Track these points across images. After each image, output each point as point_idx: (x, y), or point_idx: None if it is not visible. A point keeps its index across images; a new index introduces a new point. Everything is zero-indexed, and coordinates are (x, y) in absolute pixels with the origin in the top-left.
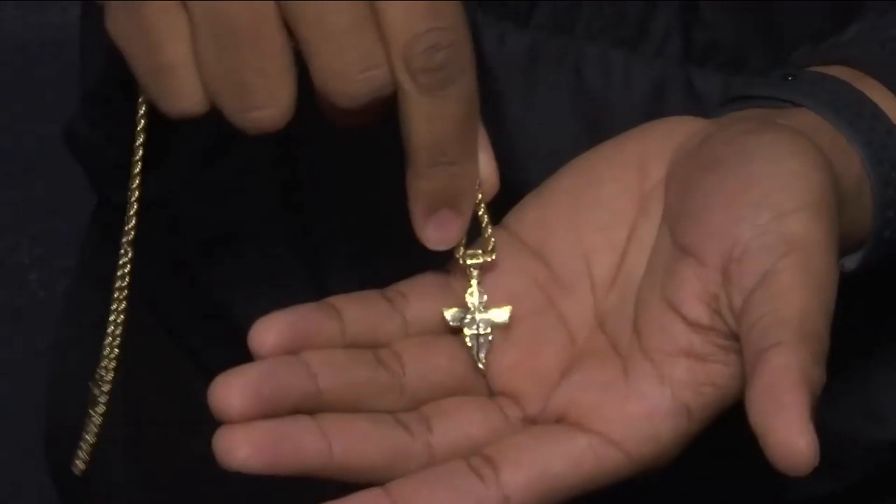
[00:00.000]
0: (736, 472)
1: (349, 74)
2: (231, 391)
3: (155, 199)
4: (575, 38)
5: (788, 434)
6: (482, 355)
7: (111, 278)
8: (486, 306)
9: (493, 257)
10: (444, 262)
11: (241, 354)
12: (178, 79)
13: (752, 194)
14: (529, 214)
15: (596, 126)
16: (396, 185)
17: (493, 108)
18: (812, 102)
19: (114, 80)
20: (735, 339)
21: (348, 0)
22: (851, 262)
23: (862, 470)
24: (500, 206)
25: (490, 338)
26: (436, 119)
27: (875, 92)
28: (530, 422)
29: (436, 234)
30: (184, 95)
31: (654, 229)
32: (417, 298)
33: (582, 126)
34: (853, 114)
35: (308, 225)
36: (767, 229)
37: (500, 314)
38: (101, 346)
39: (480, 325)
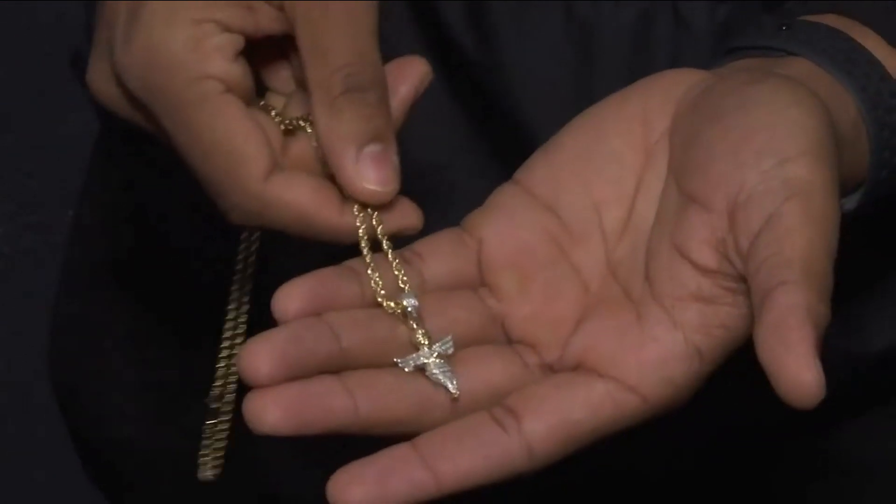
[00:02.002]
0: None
1: None
2: (259, 357)
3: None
4: None
5: (797, 369)
6: (454, 387)
7: (112, 203)
8: (430, 342)
9: (416, 300)
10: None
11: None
12: None
13: (754, 142)
14: (539, 170)
15: (586, 53)
16: None
17: (486, 38)
18: (807, 51)
19: None
20: (743, 282)
21: None
22: (850, 202)
23: (839, 381)
24: (501, 135)
25: (451, 369)
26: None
27: (868, 39)
28: (548, 369)
29: (375, 173)
30: None
31: (660, 180)
32: (433, 257)
33: (573, 53)
34: (848, 61)
35: None
36: (771, 175)
37: (445, 346)
38: (104, 279)
39: (435, 364)
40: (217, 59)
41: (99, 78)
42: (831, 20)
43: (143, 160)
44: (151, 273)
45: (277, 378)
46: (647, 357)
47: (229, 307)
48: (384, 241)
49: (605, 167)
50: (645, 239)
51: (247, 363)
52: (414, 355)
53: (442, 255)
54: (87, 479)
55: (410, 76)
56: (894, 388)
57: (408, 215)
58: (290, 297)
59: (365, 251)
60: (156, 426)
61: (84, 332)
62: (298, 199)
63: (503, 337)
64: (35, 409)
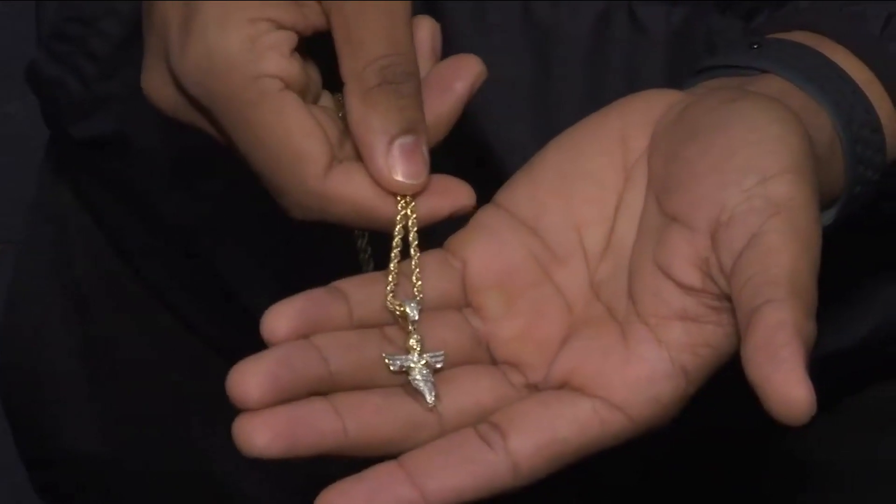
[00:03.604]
0: None
1: None
2: (248, 380)
3: (118, 131)
4: None
5: (787, 386)
6: (431, 397)
7: (64, 212)
8: (422, 350)
9: (421, 307)
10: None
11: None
12: None
13: (735, 160)
14: (520, 191)
15: (544, 54)
16: None
17: (445, 38)
18: (779, 68)
19: (74, 17)
20: (727, 300)
21: None
22: (827, 218)
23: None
24: (457, 135)
25: (433, 380)
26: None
27: (838, 54)
28: (534, 388)
29: (405, 165)
30: None
31: (640, 199)
32: (419, 277)
33: (531, 53)
34: (820, 77)
35: None
36: (753, 193)
37: (436, 358)
38: (55, 278)
39: (419, 371)
40: (273, 57)
41: (155, 85)
42: (800, 37)
43: (94, 171)
44: (106, 279)
45: (267, 401)
46: (633, 376)
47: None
48: (412, 248)
49: (584, 187)
50: (627, 258)
51: (236, 386)
52: (403, 356)
53: (428, 276)
54: (34, 488)
55: (466, 73)
56: (862, 383)
57: (460, 196)
58: (280, 319)
59: (394, 252)
60: (104, 435)
61: (30, 339)
62: (358, 192)
63: (488, 357)
64: None
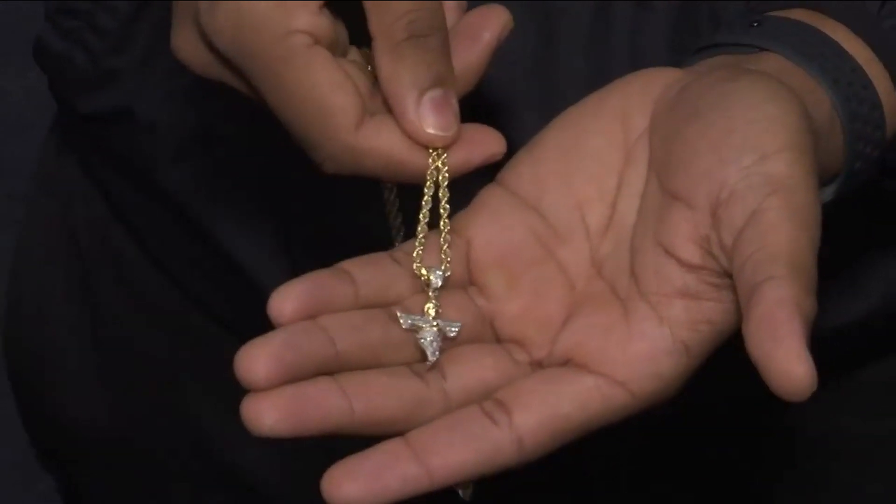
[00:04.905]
0: None
1: None
2: (255, 361)
3: (124, 105)
4: None
5: (788, 362)
6: (432, 355)
7: (68, 186)
8: (438, 316)
9: (449, 273)
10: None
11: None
12: None
13: (734, 139)
14: (523, 171)
15: (547, 30)
16: None
17: None
18: (778, 46)
19: None
20: (727, 277)
21: None
22: (826, 194)
23: None
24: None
25: (440, 344)
26: None
27: (838, 32)
28: (538, 366)
29: (436, 118)
30: None
31: (641, 177)
32: (425, 258)
33: (534, 29)
34: (819, 55)
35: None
36: (752, 171)
37: (450, 327)
38: (58, 251)
39: (429, 332)
40: (302, 13)
41: (185, 45)
42: (800, 14)
43: (99, 145)
44: (109, 252)
45: (274, 381)
46: (635, 352)
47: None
48: (441, 222)
49: (586, 166)
50: (628, 236)
51: (244, 367)
52: (417, 316)
53: (433, 255)
54: (36, 457)
55: (493, 23)
56: (863, 361)
57: (491, 144)
58: (286, 300)
59: (423, 211)
60: (107, 407)
61: (35, 313)
62: (390, 144)
63: (493, 335)
64: None
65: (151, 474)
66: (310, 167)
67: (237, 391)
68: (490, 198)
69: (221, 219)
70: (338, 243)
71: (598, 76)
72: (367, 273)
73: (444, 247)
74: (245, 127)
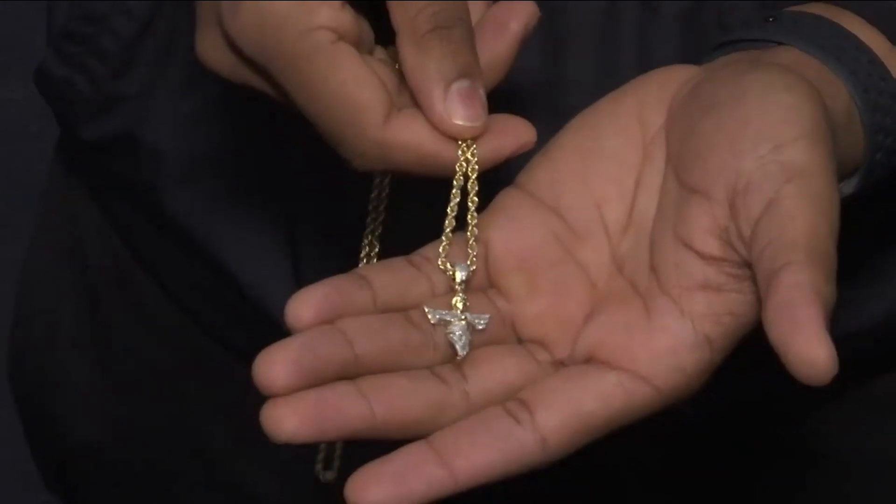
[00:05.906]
0: None
1: None
2: (274, 366)
3: (128, 131)
4: None
5: (808, 347)
6: (462, 350)
7: (74, 203)
8: (465, 311)
9: (474, 268)
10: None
11: (193, 269)
12: None
13: (750, 129)
14: (540, 173)
15: (555, 36)
16: None
17: None
18: (795, 40)
19: (84, 17)
20: (748, 268)
21: None
22: (848, 186)
23: None
24: None
25: (470, 338)
26: None
27: (855, 24)
28: (560, 365)
29: (464, 109)
30: None
31: (659, 175)
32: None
33: (541, 36)
34: (835, 46)
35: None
36: (768, 160)
37: (479, 320)
38: (66, 277)
39: (458, 325)
40: (323, 10)
41: (210, 50)
42: (816, 8)
43: (103, 170)
44: (115, 270)
45: (294, 387)
46: (658, 347)
47: (363, 250)
48: (469, 215)
49: (604, 166)
50: (648, 233)
51: (263, 373)
52: (445, 311)
53: (453, 252)
54: (41, 479)
55: (520, 14)
56: (867, 370)
57: (521, 133)
58: (304, 306)
59: (452, 204)
60: (113, 426)
61: (41, 330)
62: (418, 138)
63: (514, 337)
64: None
65: (158, 492)
66: (320, 190)
67: (245, 412)
68: (508, 200)
69: (227, 243)
70: (345, 269)
71: (607, 80)
72: (384, 277)
73: (471, 240)
74: (251, 150)
